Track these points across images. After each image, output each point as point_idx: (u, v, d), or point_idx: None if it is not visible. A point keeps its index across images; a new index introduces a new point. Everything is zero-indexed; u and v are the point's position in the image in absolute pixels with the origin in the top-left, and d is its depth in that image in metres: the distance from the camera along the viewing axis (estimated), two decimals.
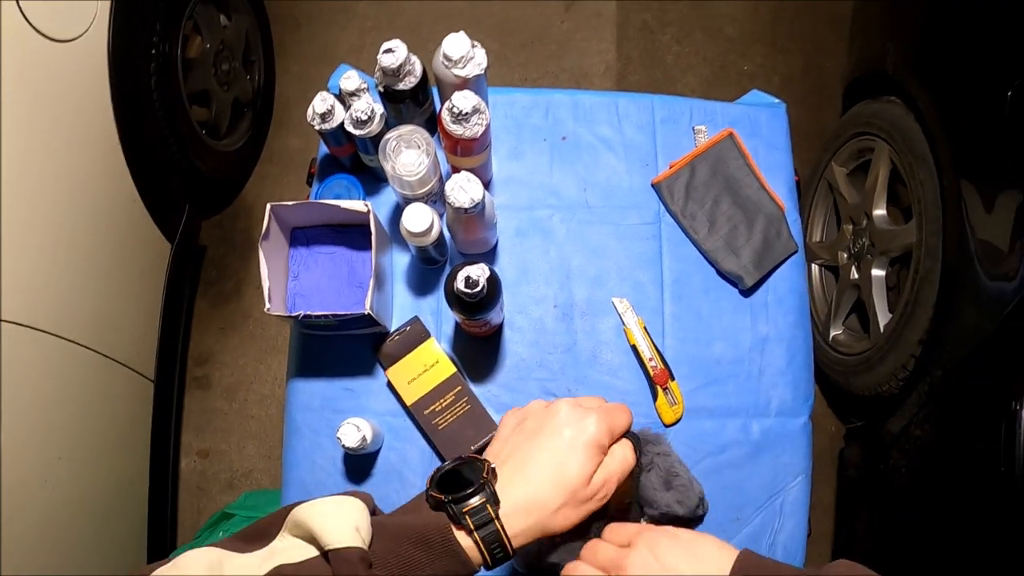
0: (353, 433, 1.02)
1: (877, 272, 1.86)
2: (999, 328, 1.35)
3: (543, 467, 0.64)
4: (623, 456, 0.69)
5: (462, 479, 0.64)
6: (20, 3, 1.31)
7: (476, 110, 0.96)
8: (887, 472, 1.62)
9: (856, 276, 1.93)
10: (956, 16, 1.62)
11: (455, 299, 0.93)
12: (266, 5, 2.27)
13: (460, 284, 0.90)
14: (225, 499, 2.11)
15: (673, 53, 2.45)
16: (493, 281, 0.94)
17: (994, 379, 1.36)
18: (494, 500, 0.61)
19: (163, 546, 1.91)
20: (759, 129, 1.33)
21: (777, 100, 1.39)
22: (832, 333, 2.02)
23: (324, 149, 1.23)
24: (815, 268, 2.14)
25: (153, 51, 1.67)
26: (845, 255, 2.00)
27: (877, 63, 1.87)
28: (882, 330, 1.78)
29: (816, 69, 2.47)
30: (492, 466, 0.65)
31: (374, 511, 0.63)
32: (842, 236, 2.03)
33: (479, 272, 0.91)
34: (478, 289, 0.90)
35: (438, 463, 1.11)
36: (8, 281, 1.29)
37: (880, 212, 1.87)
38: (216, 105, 2.00)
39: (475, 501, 0.61)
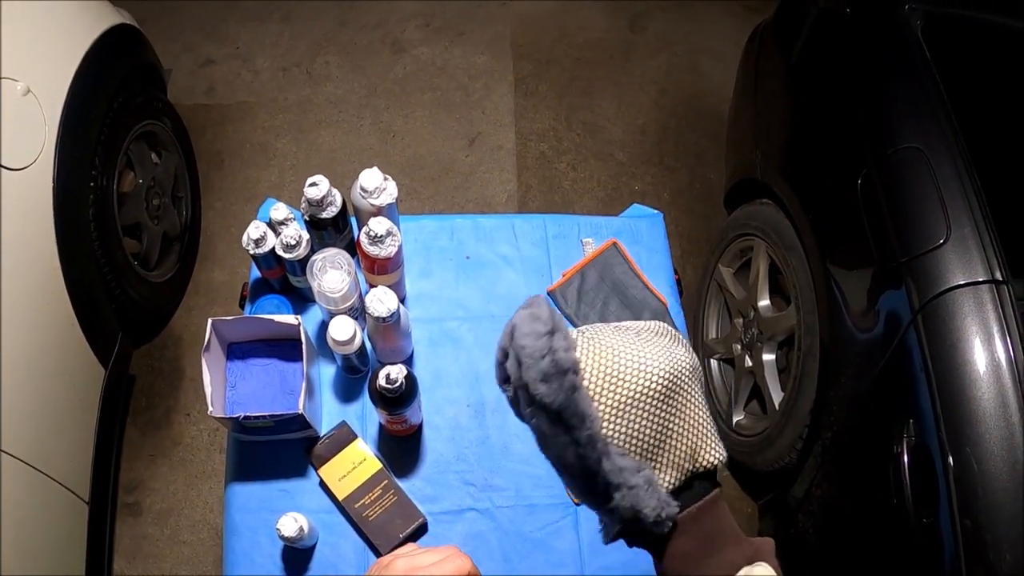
0: (291, 524, 1.11)
1: (768, 356, 2.06)
2: (872, 386, 1.55)
3: None
4: None
5: None
6: None
7: (389, 232, 1.12)
8: (796, 536, 1.76)
9: (750, 363, 2.13)
10: (808, 122, 1.92)
11: (378, 396, 1.07)
12: (192, 142, 2.43)
13: (382, 380, 1.04)
14: None
15: (569, 179, 2.70)
16: (410, 379, 1.08)
17: (874, 430, 1.54)
18: None
19: None
20: (640, 236, 1.53)
21: (655, 211, 1.61)
22: (735, 419, 2.19)
23: (255, 273, 1.37)
24: (714, 363, 2.33)
25: (92, 183, 1.79)
26: (739, 346, 2.20)
27: (748, 170, 2.15)
28: (777, 407, 1.96)
29: (701, 180, 2.76)
30: None
31: None
32: (734, 330, 2.24)
33: (398, 371, 1.05)
34: (397, 385, 1.04)
35: (371, 554, 1.21)
36: None
37: (764, 303, 2.09)
38: (147, 237, 2.11)
39: None
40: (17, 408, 1.53)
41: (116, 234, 1.92)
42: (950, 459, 1.31)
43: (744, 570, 0.57)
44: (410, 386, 1.08)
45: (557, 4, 3.05)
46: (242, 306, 1.45)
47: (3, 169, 1.51)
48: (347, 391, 1.31)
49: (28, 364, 1.58)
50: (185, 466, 2.21)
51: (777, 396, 2.00)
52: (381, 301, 1.08)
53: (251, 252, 1.21)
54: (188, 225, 2.35)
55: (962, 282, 1.40)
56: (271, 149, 2.63)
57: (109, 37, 1.90)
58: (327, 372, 1.32)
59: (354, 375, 1.31)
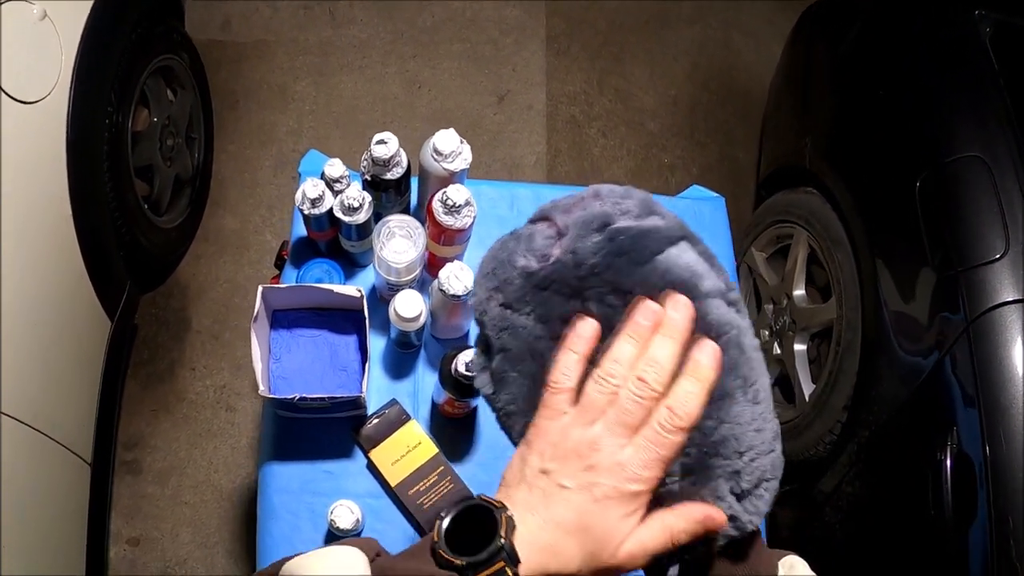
0: (348, 515, 1.03)
1: (799, 347, 2.00)
2: (915, 394, 1.50)
3: (566, 525, 0.52)
4: (663, 529, 0.53)
5: (475, 531, 0.52)
6: None
7: (468, 202, 1.02)
8: (822, 529, 1.72)
9: (779, 352, 2.07)
10: (863, 116, 1.84)
11: (452, 381, 0.97)
12: (209, 80, 2.28)
13: (461, 367, 0.94)
14: None
15: (599, 146, 2.60)
16: None
17: (916, 436, 1.51)
18: (514, 561, 0.51)
19: None
20: (703, 221, 1.45)
21: (716, 194, 1.52)
22: None
23: (299, 232, 1.25)
24: None
25: (107, 120, 1.65)
26: (767, 332, 2.14)
27: (795, 157, 2.06)
28: (807, 399, 1.90)
29: (729, 159, 2.68)
30: (509, 514, 0.52)
31: (379, 553, 0.58)
32: (763, 316, 2.17)
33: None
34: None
35: None
36: None
37: (799, 292, 2.03)
38: (159, 180, 1.98)
39: (493, 567, 0.50)
40: (17, 366, 1.42)
41: (128, 176, 1.79)
42: (991, 471, 1.31)
43: (784, 567, 0.57)
44: None
45: None
46: (278, 266, 1.35)
47: (15, 102, 1.36)
48: (398, 367, 1.21)
49: (32, 317, 1.46)
50: (188, 424, 2.11)
51: (807, 388, 1.95)
52: (457, 278, 0.98)
53: (305, 212, 1.09)
54: (200, 168, 2.21)
55: (1018, 297, 1.40)
56: (289, 92, 2.49)
57: None
58: (376, 345, 1.22)
59: (407, 350, 1.21)
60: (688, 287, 0.52)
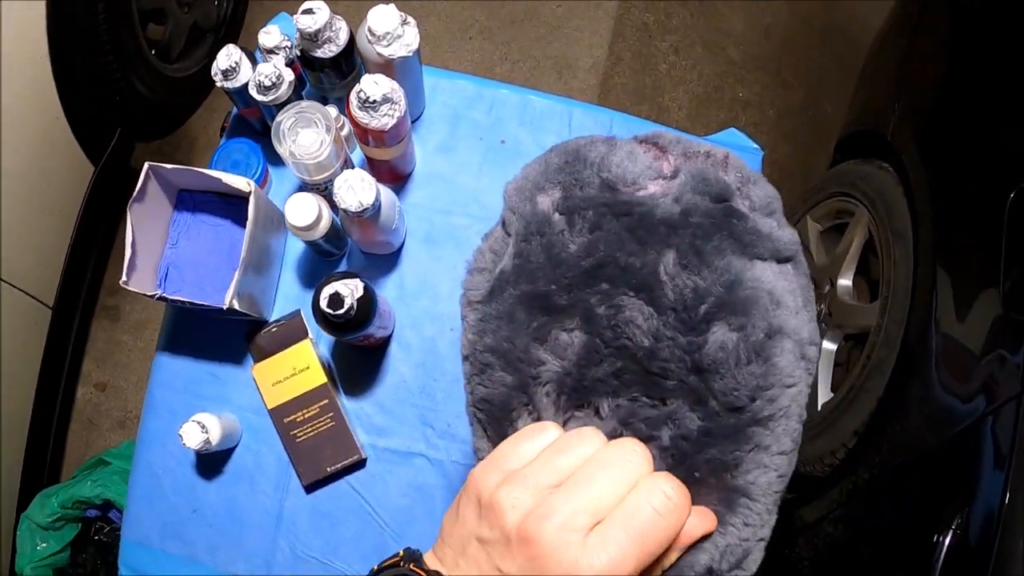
0: (196, 433, 0.91)
1: (828, 345, 1.76)
2: (939, 447, 1.25)
3: None
4: None
5: None
6: None
7: (387, 99, 0.84)
8: (790, 558, 1.53)
9: None
10: (976, 95, 1.47)
11: (320, 316, 0.82)
12: None
13: (324, 302, 0.79)
14: (114, 438, 2.00)
15: (668, 63, 2.31)
16: (367, 301, 0.83)
17: (923, 499, 1.27)
18: None
19: (42, 476, 1.81)
20: None
21: (755, 146, 1.27)
22: None
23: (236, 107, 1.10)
24: None
25: None
26: None
27: (878, 122, 1.74)
28: (819, 408, 1.67)
29: (815, 108, 2.36)
30: None
31: None
32: None
33: (348, 290, 0.79)
34: (343, 310, 0.79)
35: (295, 476, 1.00)
36: None
37: (845, 282, 1.77)
38: (171, 26, 1.85)
39: None
40: None
41: (130, 19, 1.65)
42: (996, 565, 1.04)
43: None
44: (365, 309, 0.83)
45: None
46: (222, 135, 1.20)
47: None
48: (313, 274, 1.07)
49: None
50: None
51: (824, 395, 1.70)
52: (352, 190, 0.81)
53: (218, 84, 0.93)
54: (227, 18, 2.06)
55: None
56: None
57: None
58: (296, 245, 1.07)
59: (327, 258, 1.06)
60: (768, 309, 0.43)
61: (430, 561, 0.43)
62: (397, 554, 0.43)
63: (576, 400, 0.46)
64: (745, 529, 0.43)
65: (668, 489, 0.40)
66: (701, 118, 2.28)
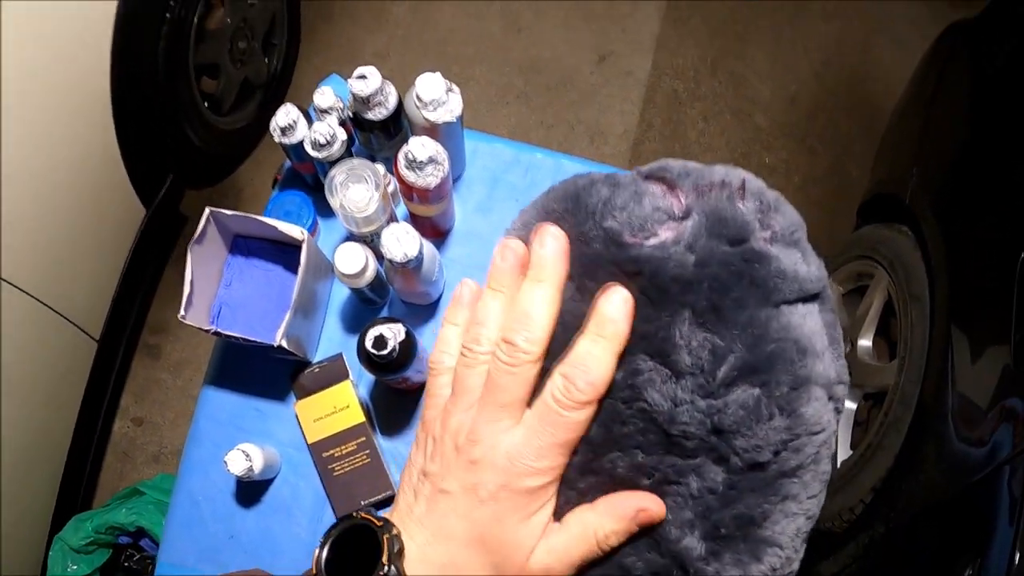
0: (240, 460, 0.97)
1: (849, 404, 1.79)
2: (953, 500, 1.28)
3: (457, 537, 0.43)
4: (583, 532, 0.42)
5: (364, 553, 0.44)
6: None
7: (432, 160, 0.91)
8: None
9: None
10: (987, 154, 1.55)
11: (365, 356, 0.88)
12: None
13: (369, 343, 0.85)
14: (147, 472, 2.06)
15: (697, 130, 2.40)
16: (408, 345, 0.89)
17: (938, 551, 1.29)
18: None
19: (75, 501, 1.87)
20: None
21: None
22: None
23: (289, 161, 1.18)
24: None
25: (167, 14, 1.63)
26: None
27: (897, 187, 1.81)
28: (839, 465, 1.70)
29: (840, 174, 2.42)
30: (395, 533, 0.44)
31: None
32: None
33: (392, 333, 0.86)
34: (387, 351, 0.85)
35: (329, 509, 1.06)
36: None
37: (865, 343, 1.81)
38: (224, 81, 1.96)
39: None
40: (31, 235, 1.44)
41: (187, 72, 1.77)
42: None
43: None
44: (406, 352, 0.89)
45: None
46: (274, 188, 1.28)
47: None
48: (356, 320, 1.13)
49: (55, 190, 1.48)
50: None
51: (844, 452, 1.73)
52: (398, 241, 0.88)
53: (276, 140, 1.02)
54: (276, 75, 2.18)
55: None
56: (385, 12, 2.41)
57: None
58: (341, 291, 1.14)
59: (369, 305, 1.13)
60: (794, 361, 0.38)
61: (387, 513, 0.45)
62: (353, 514, 0.45)
63: (602, 454, 0.42)
64: (773, 573, 0.41)
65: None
66: None
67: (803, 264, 0.40)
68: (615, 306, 0.39)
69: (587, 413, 0.40)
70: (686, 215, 0.40)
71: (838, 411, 0.41)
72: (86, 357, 1.73)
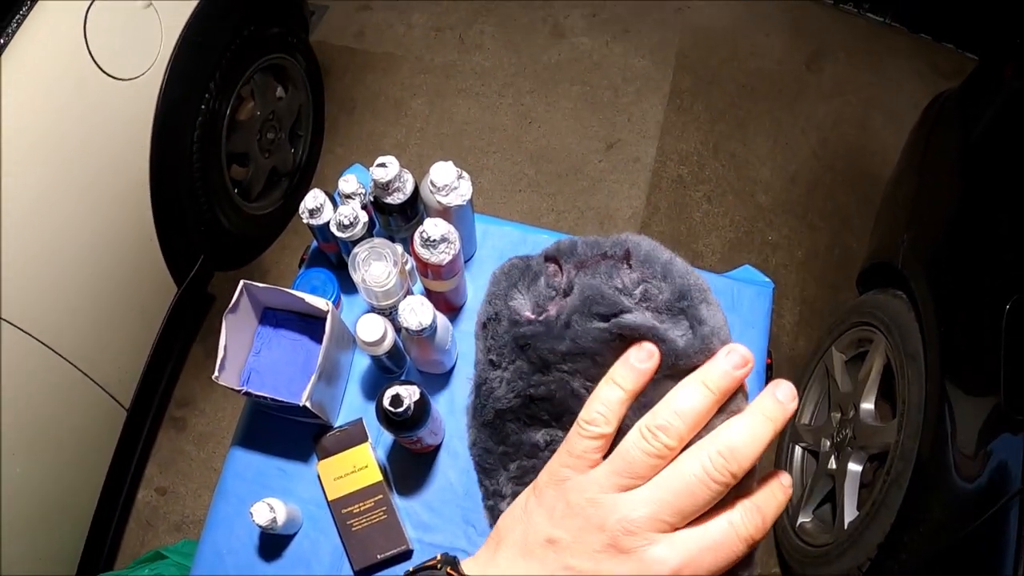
0: (265, 512, 1.04)
1: (854, 467, 1.83)
2: (954, 547, 1.32)
3: None
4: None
5: None
6: (88, 38, 1.45)
7: (444, 239, 1.01)
8: None
9: (834, 466, 1.90)
10: (971, 217, 1.65)
11: (383, 414, 0.96)
12: (327, 82, 2.41)
13: (387, 401, 0.93)
14: (169, 540, 2.12)
15: (702, 210, 2.51)
16: (421, 404, 0.97)
17: None
18: None
19: (97, 565, 1.92)
20: (740, 306, 1.35)
21: (767, 279, 1.42)
22: (800, 519, 1.98)
23: (315, 241, 1.29)
24: (798, 450, 2.12)
25: (203, 106, 1.79)
26: (828, 442, 1.98)
27: (890, 254, 1.89)
28: (846, 526, 1.74)
29: (841, 247, 2.51)
30: None
31: None
32: (828, 423, 2.01)
33: (408, 393, 0.94)
34: (402, 409, 0.93)
35: (347, 563, 1.12)
36: (10, 281, 1.38)
37: (868, 406, 1.86)
38: (253, 169, 2.10)
39: None
40: (73, 306, 1.55)
41: (219, 160, 1.91)
42: None
43: None
44: (420, 411, 0.97)
45: (735, 23, 2.83)
46: (300, 267, 1.39)
47: (108, 77, 1.51)
48: (375, 388, 1.22)
49: (97, 266, 1.60)
50: (237, 399, 2.21)
51: (850, 513, 1.77)
52: (414, 312, 0.97)
53: (305, 221, 1.13)
54: (301, 165, 2.33)
55: None
56: (404, 107, 2.58)
57: None
58: (362, 361, 1.23)
59: (387, 374, 1.22)
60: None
61: (468, 567, 0.43)
62: (435, 557, 0.44)
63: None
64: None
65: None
66: (733, 261, 2.45)
67: (686, 334, 0.41)
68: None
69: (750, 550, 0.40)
70: (568, 290, 0.44)
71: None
72: (116, 425, 1.82)
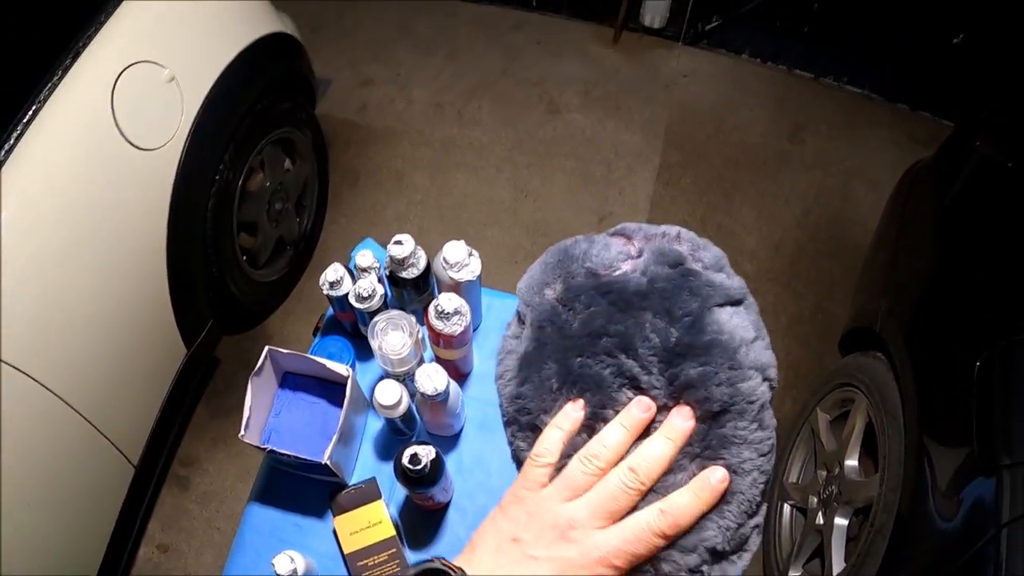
0: (286, 563, 1.11)
1: (840, 521, 1.90)
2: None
3: None
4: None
5: None
6: (115, 108, 1.56)
7: (457, 312, 1.11)
8: None
9: (821, 522, 1.97)
10: (944, 281, 1.77)
11: (401, 472, 1.04)
12: (331, 154, 2.53)
13: (406, 460, 1.01)
14: None
15: None
16: (436, 462, 1.05)
17: None
18: None
19: None
20: None
21: None
22: (791, 574, 2.04)
23: (332, 310, 1.38)
24: (786, 507, 2.18)
25: (217, 176, 1.89)
26: (815, 499, 2.05)
27: (870, 318, 2.00)
28: None
29: (824, 313, 2.62)
30: None
31: None
32: (815, 481, 2.08)
33: (425, 453, 1.02)
34: (420, 467, 1.01)
35: None
36: (33, 336, 1.46)
37: (852, 463, 1.94)
38: (261, 238, 2.20)
39: None
40: (89, 364, 1.62)
41: (230, 228, 2.01)
42: None
43: None
44: (435, 469, 1.05)
45: (721, 100, 3.00)
46: (315, 336, 1.48)
47: (132, 147, 1.62)
48: (387, 449, 1.30)
49: (114, 327, 1.68)
50: (240, 459, 2.27)
51: (838, 566, 1.84)
52: (430, 378, 1.06)
53: (325, 292, 1.22)
54: (306, 234, 2.44)
55: None
56: (406, 179, 2.70)
57: (264, 43, 2.01)
58: (375, 424, 1.31)
59: (399, 436, 1.29)
60: (728, 348, 0.55)
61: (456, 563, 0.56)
62: (430, 559, 0.55)
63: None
64: (741, 514, 0.54)
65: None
66: None
67: (727, 279, 0.57)
68: (717, 479, 0.53)
69: (664, 543, 0.53)
70: (640, 254, 0.59)
71: (772, 388, 0.57)
72: (124, 481, 1.86)
